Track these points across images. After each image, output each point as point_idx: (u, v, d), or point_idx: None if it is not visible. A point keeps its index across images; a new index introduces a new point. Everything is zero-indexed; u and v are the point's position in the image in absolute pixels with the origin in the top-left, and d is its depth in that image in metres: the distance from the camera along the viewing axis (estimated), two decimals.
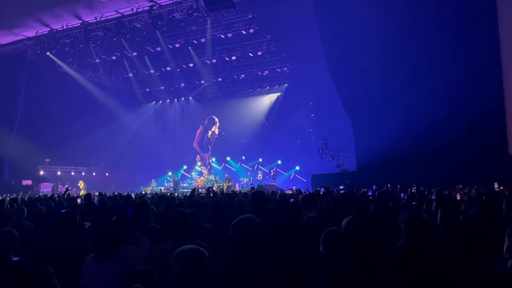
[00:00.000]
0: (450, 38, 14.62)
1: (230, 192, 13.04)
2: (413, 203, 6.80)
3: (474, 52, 14.17)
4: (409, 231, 3.27)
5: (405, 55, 15.65)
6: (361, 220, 3.61)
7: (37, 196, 13.37)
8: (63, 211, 4.86)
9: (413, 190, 9.74)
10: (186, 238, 3.32)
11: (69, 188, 12.49)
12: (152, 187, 24.22)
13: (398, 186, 12.52)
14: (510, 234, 2.71)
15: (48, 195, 15.08)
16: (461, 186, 10.72)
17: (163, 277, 2.91)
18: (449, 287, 2.79)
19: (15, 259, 3.58)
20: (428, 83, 15.11)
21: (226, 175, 24.90)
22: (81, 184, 24.32)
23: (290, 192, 11.42)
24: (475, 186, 10.33)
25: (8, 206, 7.37)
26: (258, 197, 4.63)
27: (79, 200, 9.12)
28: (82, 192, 21.13)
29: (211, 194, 9.09)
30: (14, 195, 15.84)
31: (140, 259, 3.13)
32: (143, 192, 14.77)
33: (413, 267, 3.07)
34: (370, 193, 9.90)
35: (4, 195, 17.12)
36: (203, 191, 17.52)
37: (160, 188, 23.25)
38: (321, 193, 10.10)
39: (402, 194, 9.74)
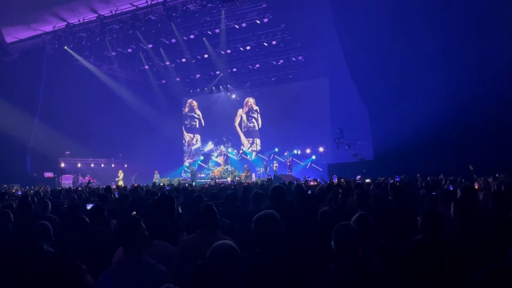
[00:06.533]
0: (471, 22, 14.21)
1: (245, 184, 13.02)
2: (433, 193, 6.74)
3: (496, 37, 13.78)
4: (426, 225, 3.28)
5: (422, 42, 15.33)
6: (379, 213, 3.63)
7: (59, 188, 13.72)
8: (91, 205, 4.99)
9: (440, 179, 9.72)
10: (213, 231, 3.55)
11: (91, 181, 12.75)
12: (155, 179, 24.37)
13: (418, 175, 12.40)
14: None
15: (70, 187, 15.47)
16: (475, 176, 10.54)
17: (191, 266, 3.01)
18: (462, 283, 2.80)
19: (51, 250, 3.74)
20: (447, 70, 14.83)
21: (245, 166, 25.01)
22: (120, 174, 24.79)
23: (316, 183, 11.01)
24: (496, 175, 10.16)
25: (35, 199, 7.59)
26: (279, 191, 4.67)
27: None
28: (120, 183, 21.38)
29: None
30: (37, 188, 16.25)
31: (170, 255, 3.22)
32: (162, 184, 14.98)
33: (428, 263, 3.08)
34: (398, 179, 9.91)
35: (28, 187, 17.62)
36: (221, 181, 17.76)
37: (178, 179, 23.51)
38: (333, 180, 10.08)
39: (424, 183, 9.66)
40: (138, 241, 2.88)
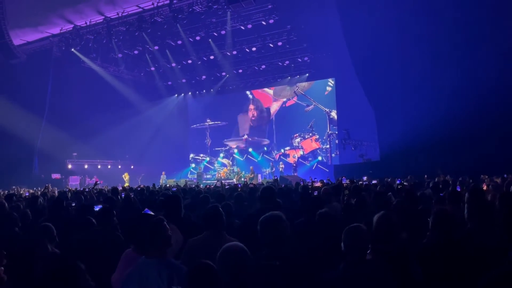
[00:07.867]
0: (476, 25, 14.14)
1: (251, 185, 13.00)
2: (441, 194, 6.68)
3: (503, 37, 13.68)
4: (436, 225, 3.24)
5: (429, 42, 15.27)
6: (395, 214, 3.59)
7: (66, 189, 13.80)
8: (99, 206, 5.00)
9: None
10: (219, 232, 3.57)
11: (98, 183, 12.81)
12: (162, 180, 24.39)
13: (425, 176, 12.32)
14: None
15: (77, 188, 15.56)
16: (486, 176, 10.46)
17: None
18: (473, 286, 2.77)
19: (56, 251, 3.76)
20: (454, 71, 14.73)
21: (251, 167, 24.97)
22: (126, 176, 24.90)
23: (320, 184, 10.91)
24: (504, 175, 10.07)
25: (41, 200, 7.64)
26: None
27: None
28: (126, 185, 21.49)
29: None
30: (43, 189, 16.30)
31: (173, 252, 3.22)
32: (168, 185, 15.02)
33: (440, 263, 3.05)
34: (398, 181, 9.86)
35: (35, 188, 17.73)
36: (226, 183, 17.75)
37: (185, 180, 23.56)
38: (343, 182, 10.06)
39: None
40: (163, 241, 2.92)
